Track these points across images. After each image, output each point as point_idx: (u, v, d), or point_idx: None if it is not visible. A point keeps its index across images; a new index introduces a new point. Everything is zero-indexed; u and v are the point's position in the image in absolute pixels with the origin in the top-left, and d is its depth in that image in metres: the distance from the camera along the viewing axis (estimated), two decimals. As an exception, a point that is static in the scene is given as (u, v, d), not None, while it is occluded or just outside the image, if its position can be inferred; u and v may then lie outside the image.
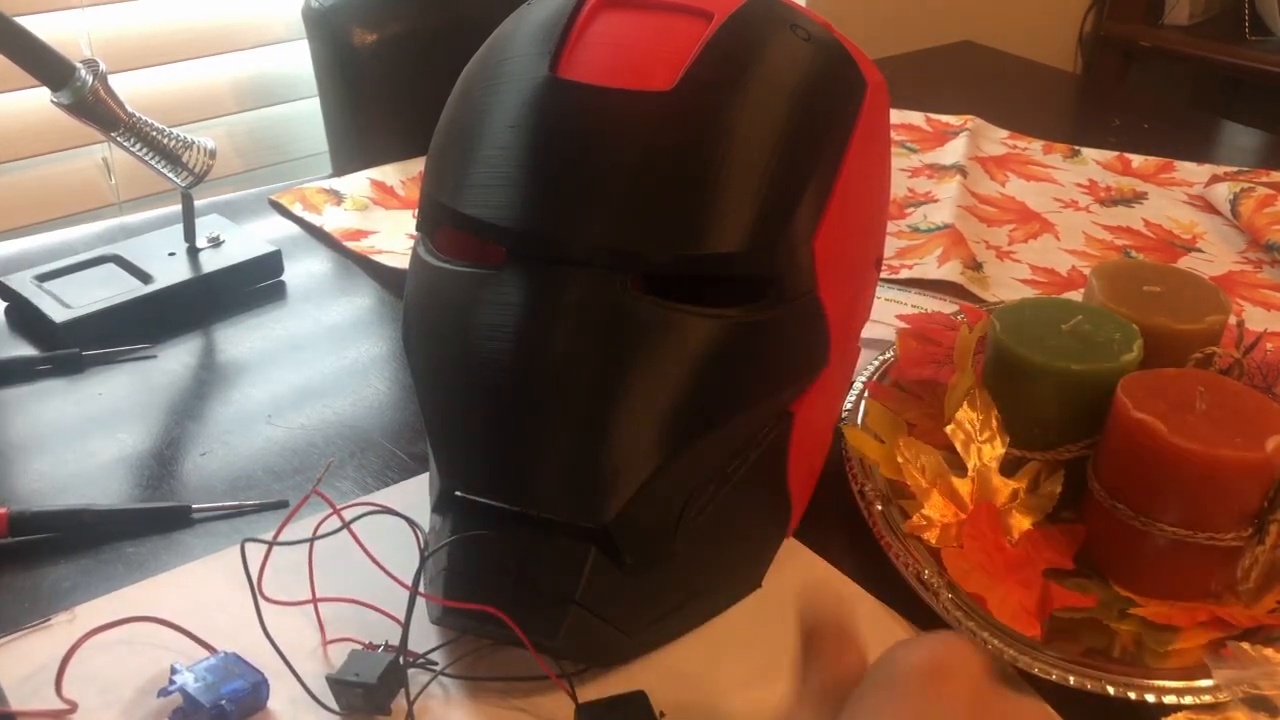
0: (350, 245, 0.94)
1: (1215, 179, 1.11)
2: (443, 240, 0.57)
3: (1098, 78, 2.30)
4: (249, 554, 0.53)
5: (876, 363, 0.76)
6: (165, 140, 0.82)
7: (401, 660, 0.50)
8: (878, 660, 0.37)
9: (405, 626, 0.50)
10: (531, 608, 0.50)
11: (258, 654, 0.52)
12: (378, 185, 1.05)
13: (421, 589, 0.51)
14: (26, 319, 0.81)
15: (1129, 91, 2.06)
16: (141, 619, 0.54)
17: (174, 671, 0.51)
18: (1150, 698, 0.52)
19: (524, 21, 0.57)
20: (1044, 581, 0.57)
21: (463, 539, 0.51)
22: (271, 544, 0.54)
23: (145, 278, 0.83)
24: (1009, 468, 0.62)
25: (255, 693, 0.50)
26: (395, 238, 0.96)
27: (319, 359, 0.79)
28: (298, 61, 1.34)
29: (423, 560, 0.51)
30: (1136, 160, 1.19)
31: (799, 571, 0.61)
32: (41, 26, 0.94)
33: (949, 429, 0.63)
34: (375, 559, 0.55)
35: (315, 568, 0.55)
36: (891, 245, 0.97)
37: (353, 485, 0.66)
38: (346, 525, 0.54)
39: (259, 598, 0.52)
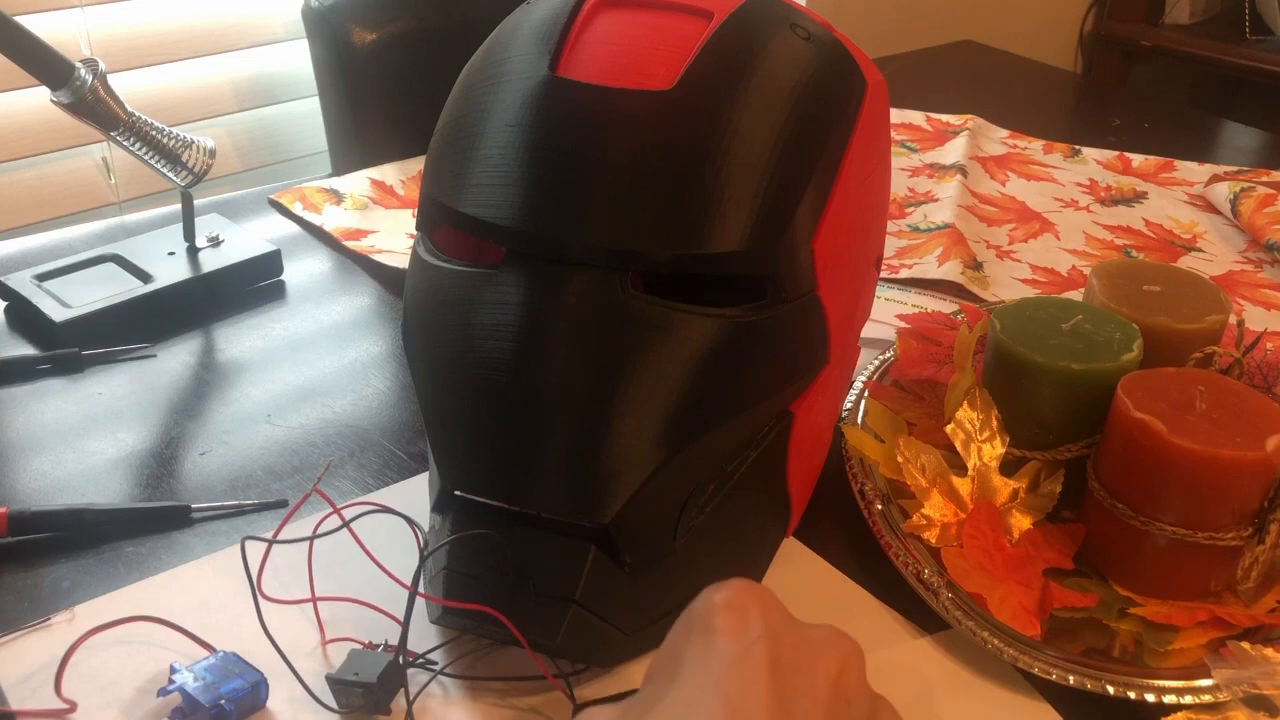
0: (350, 245, 0.94)
1: (1215, 178, 1.11)
2: (442, 240, 0.57)
3: (1098, 77, 2.30)
4: (249, 553, 0.53)
5: (876, 362, 0.76)
6: (165, 139, 0.82)
7: (401, 660, 0.50)
8: (685, 612, 0.40)
9: (405, 626, 0.50)
10: (531, 607, 0.49)
11: (257, 653, 0.52)
12: (377, 185, 1.05)
13: (421, 588, 0.51)
14: (26, 318, 0.81)
15: (1129, 91, 2.06)
16: (141, 619, 0.54)
17: (173, 671, 0.51)
18: (1150, 697, 0.52)
19: (524, 21, 0.57)
20: (1044, 581, 0.57)
21: (462, 538, 0.51)
22: (271, 543, 0.54)
23: (145, 277, 0.83)
24: (1009, 467, 0.62)
25: (255, 692, 0.50)
26: (395, 237, 0.96)
27: (319, 359, 0.79)
28: (298, 61, 1.34)
29: (422, 560, 0.51)
30: (1137, 160, 1.19)
31: (799, 571, 0.61)
32: (41, 26, 0.94)
33: (949, 428, 0.63)
34: (374, 559, 0.55)
35: (315, 567, 0.55)
36: (891, 245, 0.97)
37: (353, 485, 0.66)
38: (346, 524, 0.54)
39: (258, 597, 0.52)
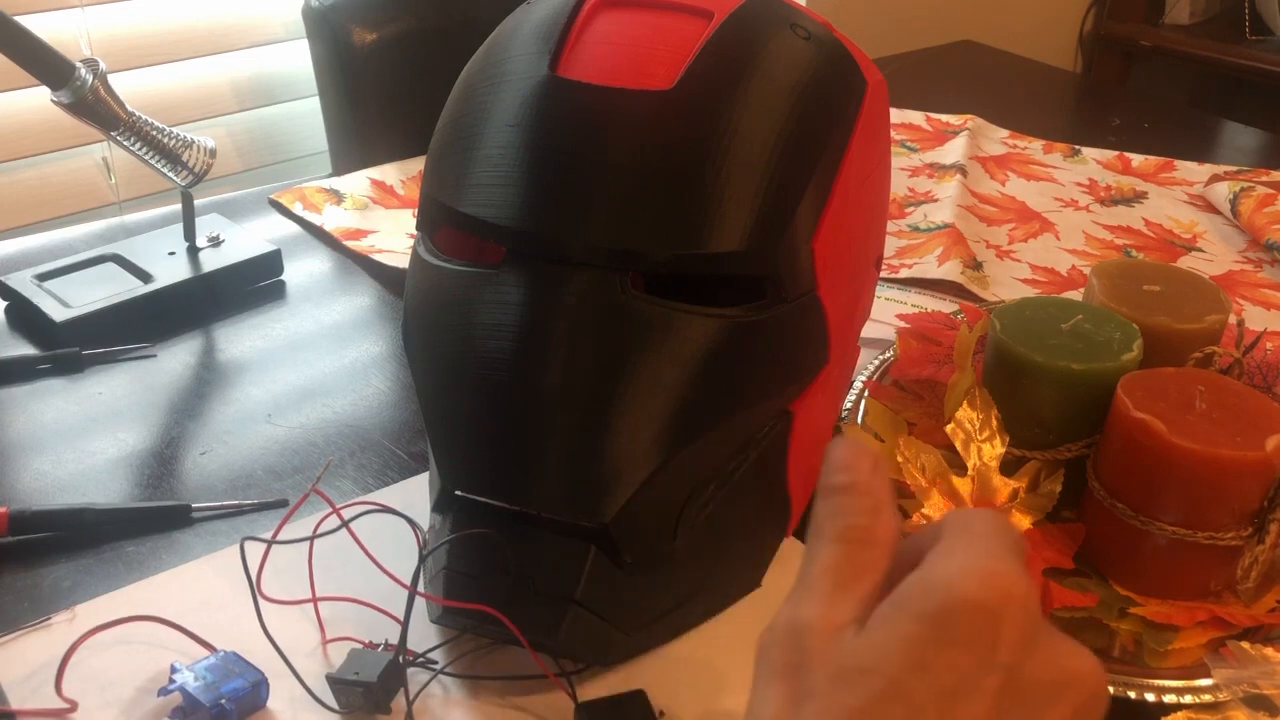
0: (350, 245, 0.94)
1: (1215, 178, 1.11)
2: (443, 240, 0.57)
3: (1098, 77, 2.30)
4: (248, 553, 0.53)
5: (876, 362, 0.76)
6: (165, 139, 0.82)
7: (401, 659, 0.50)
8: (914, 577, 0.31)
9: (404, 625, 0.50)
10: (531, 607, 0.49)
11: (257, 653, 0.52)
12: (378, 185, 1.05)
13: (421, 588, 0.51)
14: (26, 318, 0.81)
15: (1129, 91, 2.06)
16: (141, 618, 0.54)
17: (174, 671, 0.51)
18: (1150, 697, 0.52)
19: (524, 21, 0.57)
20: (1044, 581, 0.57)
21: (462, 538, 0.51)
22: (270, 542, 0.54)
23: (145, 277, 0.83)
24: (1009, 467, 0.62)
25: (255, 692, 0.50)
26: (395, 237, 0.96)
27: (319, 359, 0.79)
28: (298, 61, 1.34)
29: (421, 559, 0.51)
30: (1137, 160, 1.19)
31: (798, 571, 0.60)
32: (41, 26, 0.94)
33: (949, 428, 0.63)
34: (374, 558, 0.55)
35: (315, 567, 0.55)
36: (891, 245, 0.97)
37: (353, 485, 0.66)
38: (346, 524, 0.54)
39: (258, 597, 0.52)
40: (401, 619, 0.50)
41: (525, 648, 0.49)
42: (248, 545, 0.53)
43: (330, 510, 0.55)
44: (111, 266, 0.85)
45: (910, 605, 0.31)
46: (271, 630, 0.52)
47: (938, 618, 0.30)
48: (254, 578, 0.53)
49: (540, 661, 0.50)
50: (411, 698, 0.51)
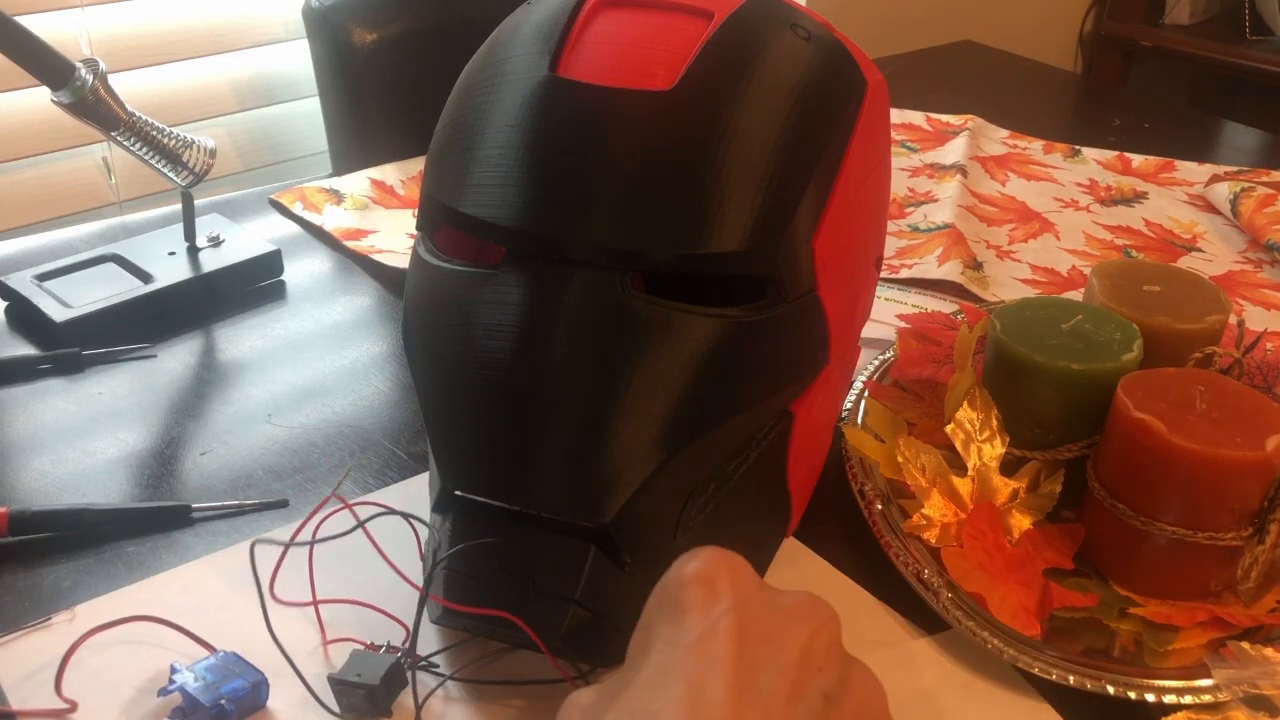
0: (350, 245, 0.94)
1: (1215, 178, 1.11)
2: (443, 240, 0.57)
3: (1098, 77, 2.30)
4: (256, 555, 0.53)
5: (876, 362, 0.76)
6: (165, 139, 0.82)
7: (407, 662, 0.50)
8: (659, 584, 0.40)
9: (414, 630, 0.50)
10: (531, 608, 0.49)
11: (258, 653, 0.52)
12: (378, 185, 1.05)
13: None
14: (26, 318, 0.81)
15: (1129, 91, 2.06)
16: (141, 618, 0.54)
17: (174, 671, 0.51)
18: (1150, 697, 0.52)
19: (524, 21, 0.57)
20: (1044, 581, 0.57)
21: (469, 546, 0.51)
22: (288, 545, 0.54)
23: (145, 277, 0.83)
24: (1009, 467, 0.62)
25: (255, 692, 0.50)
26: (395, 237, 0.96)
27: (319, 359, 0.79)
28: (298, 61, 1.34)
29: (435, 565, 0.50)
30: (1137, 160, 1.19)
31: (799, 571, 0.61)
32: (41, 26, 0.94)
33: (949, 428, 0.63)
34: (390, 560, 0.55)
35: (316, 568, 0.55)
36: (891, 245, 0.97)
37: (353, 485, 0.66)
38: (361, 524, 0.54)
39: (266, 598, 0.52)
40: (403, 620, 0.50)
41: (529, 649, 0.49)
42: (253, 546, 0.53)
43: (333, 511, 0.55)
44: (111, 266, 0.85)
45: (650, 609, 0.39)
46: (273, 631, 0.52)
47: (673, 595, 0.38)
48: (265, 583, 0.53)
49: (557, 665, 0.50)
50: (420, 702, 0.51)
